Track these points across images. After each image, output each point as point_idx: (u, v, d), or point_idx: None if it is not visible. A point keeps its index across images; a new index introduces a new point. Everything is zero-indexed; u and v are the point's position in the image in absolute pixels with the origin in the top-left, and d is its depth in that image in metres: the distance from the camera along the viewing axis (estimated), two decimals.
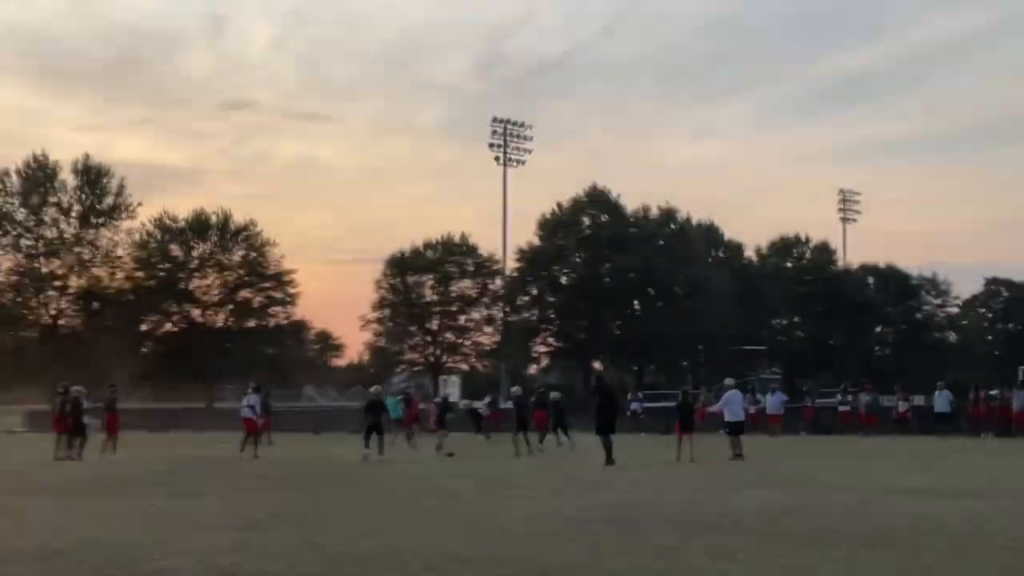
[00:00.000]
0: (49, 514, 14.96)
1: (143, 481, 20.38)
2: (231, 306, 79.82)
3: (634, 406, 51.28)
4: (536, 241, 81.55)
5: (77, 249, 73.65)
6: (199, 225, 77.98)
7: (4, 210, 72.48)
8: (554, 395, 36.17)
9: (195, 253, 78.66)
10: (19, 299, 73.43)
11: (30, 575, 9.64)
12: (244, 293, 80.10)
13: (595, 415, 25.92)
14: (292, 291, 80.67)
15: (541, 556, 10.65)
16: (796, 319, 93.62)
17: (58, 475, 22.57)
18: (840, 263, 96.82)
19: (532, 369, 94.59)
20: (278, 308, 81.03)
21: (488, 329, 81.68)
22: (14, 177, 72.38)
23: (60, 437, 28.90)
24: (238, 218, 79.09)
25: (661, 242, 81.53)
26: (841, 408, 46.51)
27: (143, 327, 78.54)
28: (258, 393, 33.13)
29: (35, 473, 23.34)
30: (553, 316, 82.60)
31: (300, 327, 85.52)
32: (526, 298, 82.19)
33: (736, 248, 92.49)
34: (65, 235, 73.36)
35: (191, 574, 9.63)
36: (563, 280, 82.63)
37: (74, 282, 74.66)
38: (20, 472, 23.71)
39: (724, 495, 16.99)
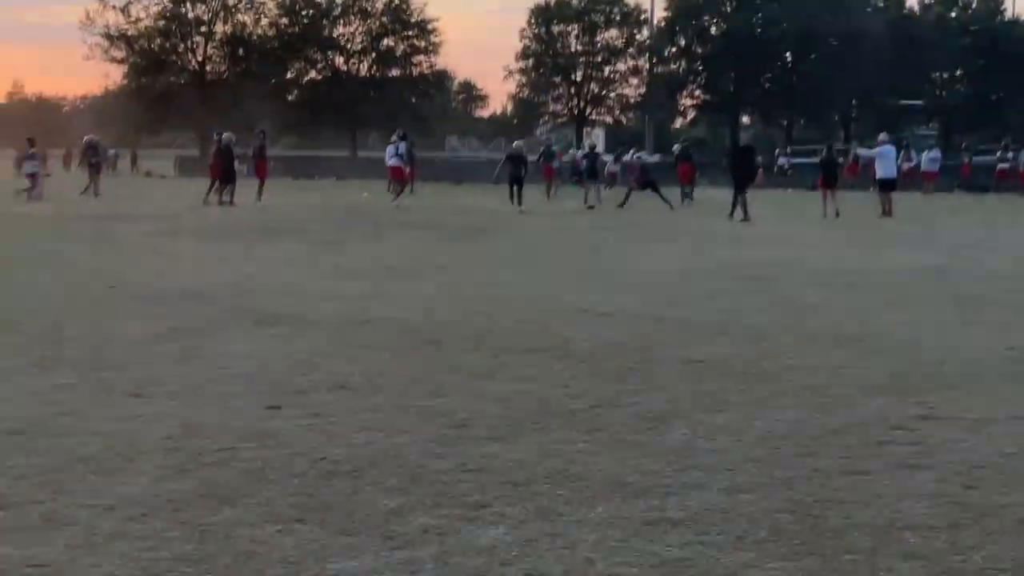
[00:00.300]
0: (194, 256, 15.26)
1: (285, 228, 20.66)
2: (374, 54, 79.42)
3: (781, 161, 50.09)
4: None
5: None
6: None
7: None
8: (643, 155, 34.65)
9: (338, 0, 77.93)
10: (167, 44, 74.19)
11: (172, 314, 9.77)
12: (387, 41, 79.47)
13: (730, 171, 25.46)
14: (435, 40, 79.72)
15: (679, 311, 10.43)
16: (957, 73, 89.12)
17: (207, 219, 23.06)
18: (1008, 13, 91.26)
19: (677, 123, 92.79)
20: (421, 57, 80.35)
21: (633, 81, 79.94)
22: None
23: (214, 181, 29.26)
24: None
25: None
26: (1000, 166, 44.43)
27: (288, 75, 78.87)
28: (404, 141, 32.92)
29: (185, 217, 23.85)
30: (701, 68, 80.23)
31: (443, 77, 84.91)
32: (673, 49, 79.81)
33: None
34: None
35: (325, 319, 9.66)
36: (712, 30, 79.80)
37: (220, 28, 74.99)
38: (172, 215, 24.21)
39: (869, 253, 16.46)
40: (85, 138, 37.48)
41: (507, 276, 13.17)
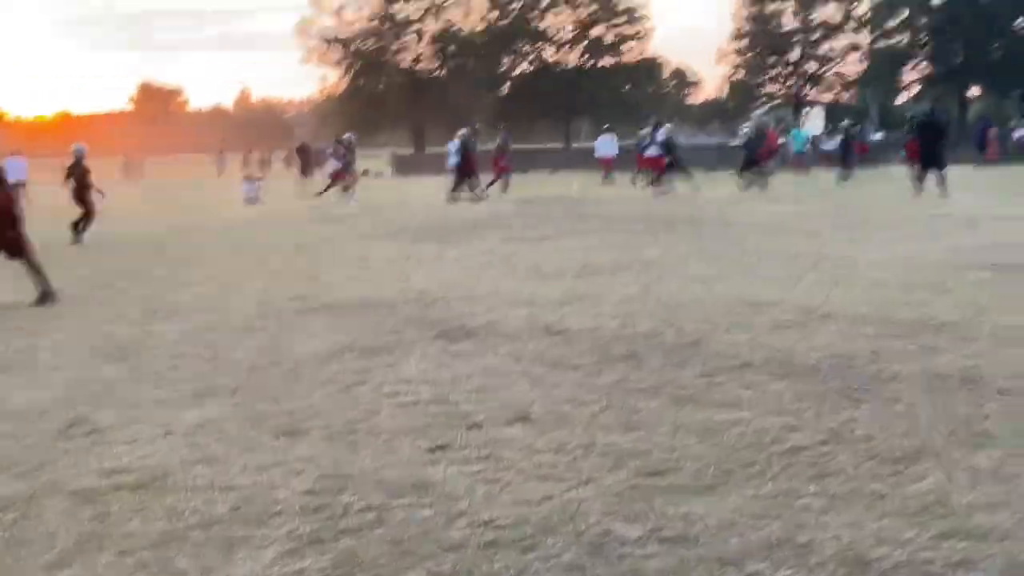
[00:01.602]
0: (390, 259, 14.60)
1: (491, 224, 19.91)
2: (584, 44, 78.64)
3: (1017, 135, 46.74)
4: None
5: None
6: None
7: None
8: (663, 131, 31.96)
9: None
10: (380, 45, 75.22)
11: (349, 328, 9.04)
12: (596, 30, 78.58)
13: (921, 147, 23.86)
14: (645, 26, 78.33)
15: (913, 311, 9.08)
16: None
17: (414, 218, 22.55)
18: None
19: (900, 99, 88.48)
20: (631, 44, 79.12)
21: (852, 57, 76.61)
22: None
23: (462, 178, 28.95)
24: None
25: None
26: None
27: (498, 68, 78.88)
28: (658, 129, 31.65)
29: (394, 214, 23.42)
30: (925, 41, 76.17)
31: (653, 64, 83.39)
32: (895, 22, 76.01)
33: None
34: None
35: (514, 330, 8.74)
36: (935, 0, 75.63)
37: (430, 26, 75.56)
38: (375, 213, 23.81)
39: None
40: (299, 143, 37.90)
41: (716, 272, 11.96)
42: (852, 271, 11.83)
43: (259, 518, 4.49)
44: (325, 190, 31.13)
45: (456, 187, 28.41)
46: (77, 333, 9.19)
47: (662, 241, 15.84)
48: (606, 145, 39.57)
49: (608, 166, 38.13)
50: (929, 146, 23.81)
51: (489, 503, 4.60)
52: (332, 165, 32.06)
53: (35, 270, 11.23)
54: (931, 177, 23.52)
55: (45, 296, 11.10)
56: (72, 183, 19.43)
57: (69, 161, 19.74)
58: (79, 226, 18.77)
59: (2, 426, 6.13)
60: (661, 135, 30.55)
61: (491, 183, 30.62)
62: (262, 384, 7.04)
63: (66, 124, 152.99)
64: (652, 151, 30.17)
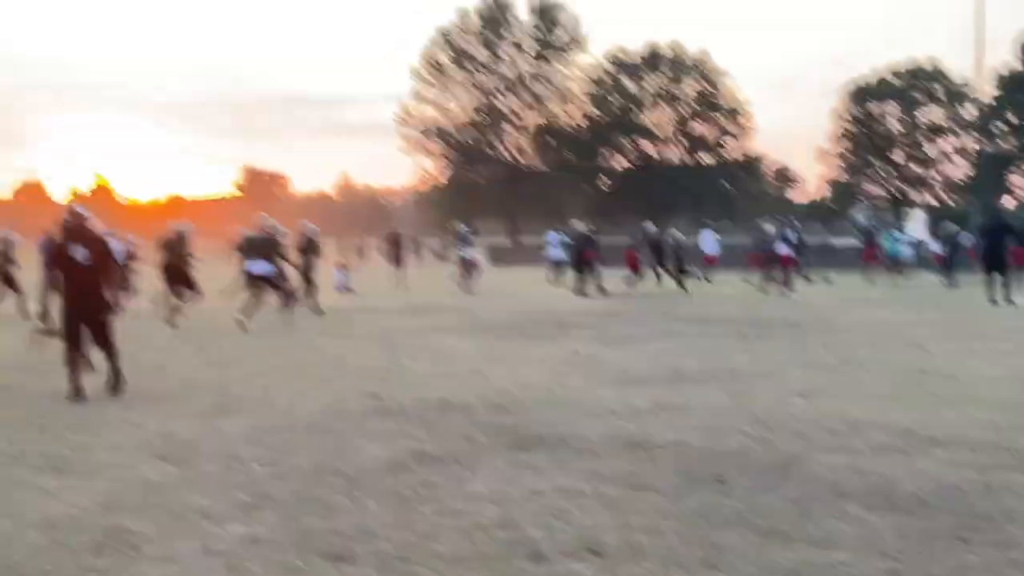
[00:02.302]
0: (471, 356, 14.16)
1: (580, 323, 19.42)
2: (684, 141, 78.52)
3: None
4: (1016, 65, 73.35)
5: (533, 85, 74.85)
6: (652, 59, 76.75)
7: (465, 49, 74.62)
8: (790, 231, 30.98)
9: (648, 88, 77.68)
10: (480, 136, 75.89)
11: (419, 433, 8.59)
12: (698, 127, 78.45)
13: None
14: (746, 124, 77.98)
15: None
16: None
17: (499, 312, 22.14)
18: None
19: (1007, 202, 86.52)
20: (732, 142, 78.77)
21: (958, 160, 75.25)
22: (473, 16, 74.18)
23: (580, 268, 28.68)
24: (691, 50, 77.19)
25: None
26: None
27: (597, 162, 79.01)
28: (790, 228, 31.17)
29: (487, 308, 23.05)
30: None
31: (754, 161, 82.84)
32: (1004, 126, 74.61)
33: None
34: (521, 71, 74.63)
35: (592, 442, 8.19)
36: None
37: (530, 119, 76.11)
38: (461, 308, 23.45)
39: None
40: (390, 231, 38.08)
41: (814, 383, 11.27)
42: (962, 388, 11.06)
43: None
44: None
45: (580, 281, 28.01)
46: (138, 430, 8.85)
47: (757, 347, 15.15)
48: (710, 242, 38.73)
49: (711, 264, 37.27)
50: (994, 250, 23.13)
51: None
52: (462, 252, 32.20)
53: (112, 357, 10.96)
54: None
55: (117, 380, 10.90)
56: (170, 260, 19.61)
57: (170, 236, 19.96)
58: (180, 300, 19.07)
59: (35, 537, 5.74)
60: (791, 234, 30.11)
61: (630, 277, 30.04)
62: (317, 495, 6.58)
63: (177, 207, 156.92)
64: (781, 249, 29.37)
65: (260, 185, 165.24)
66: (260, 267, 18.89)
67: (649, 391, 10.78)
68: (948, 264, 32.93)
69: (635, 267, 30.74)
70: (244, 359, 13.95)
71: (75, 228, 10.67)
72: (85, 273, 10.57)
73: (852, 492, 6.67)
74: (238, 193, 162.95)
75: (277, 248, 19.43)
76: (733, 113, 77.57)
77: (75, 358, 10.60)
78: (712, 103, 77.32)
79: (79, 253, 10.56)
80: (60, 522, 6.01)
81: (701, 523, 5.97)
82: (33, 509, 6.33)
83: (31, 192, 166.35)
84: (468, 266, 31.53)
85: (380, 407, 9.90)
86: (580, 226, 30.20)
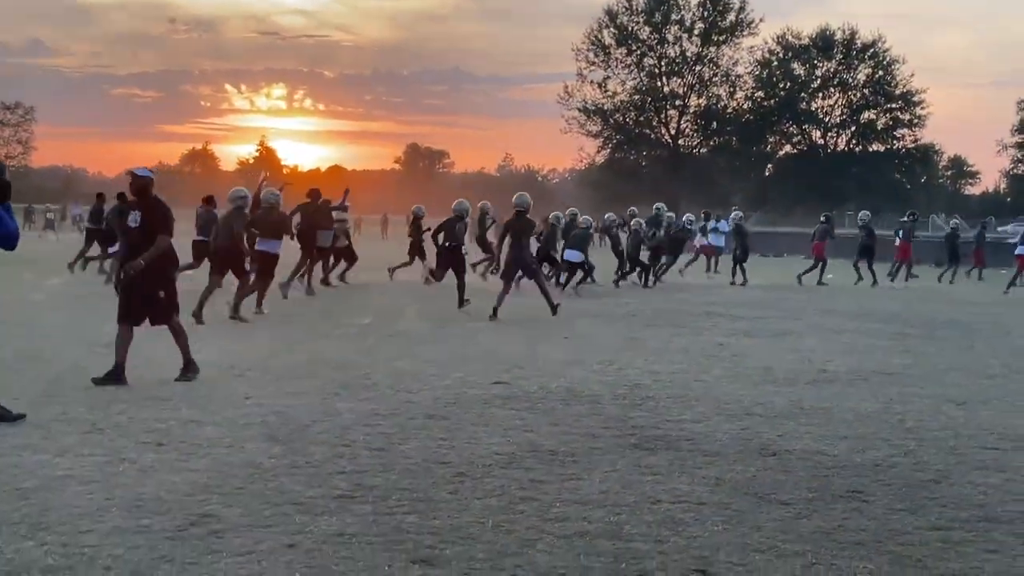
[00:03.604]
0: (612, 346, 13.70)
1: (731, 312, 18.72)
2: (854, 128, 76.21)
3: None
4: None
5: (698, 68, 73.60)
6: (823, 42, 74.58)
7: (630, 29, 73.74)
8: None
9: (818, 72, 75.60)
10: (641, 118, 75.02)
11: (542, 425, 8.20)
12: (868, 114, 76.04)
13: None
14: (921, 112, 75.20)
15: None
16: None
17: (666, 301, 21.61)
18: None
19: None
20: (904, 131, 76.10)
21: None
22: None
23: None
24: (865, 35, 74.74)
25: None
26: None
27: (762, 148, 77.36)
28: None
29: (635, 299, 22.53)
30: None
31: (928, 151, 79.92)
32: None
33: None
34: (687, 53, 73.43)
35: (720, 446, 7.66)
36: None
37: (693, 101, 74.92)
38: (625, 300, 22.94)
39: None
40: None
41: (975, 392, 10.45)
42: None
43: None
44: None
45: (734, 272, 27.20)
46: (253, 408, 8.65)
47: (916, 348, 14.24)
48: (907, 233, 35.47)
49: (906, 256, 34.43)
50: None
51: None
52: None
53: (180, 337, 10.01)
54: None
55: (188, 367, 10.00)
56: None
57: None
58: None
59: (117, 517, 5.52)
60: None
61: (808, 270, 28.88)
62: (419, 489, 6.24)
63: (338, 176, 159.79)
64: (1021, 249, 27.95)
65: (423, 161, 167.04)
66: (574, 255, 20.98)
67: (792, 391, 10.16)
68: None
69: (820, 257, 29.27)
70: (372, 341, 13.75)
71: (137, 191, 9.91)
72: (138, 239, 9.76)
73: (1003, 517, 6.03)
74: (397, 167, 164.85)
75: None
76: (907, 100, 74.87)
77: (123, 333, 9.67)
78: (885, 90, 74.80)
79: (132, 218, 9.84)
80: (152, 502, 5.79)
81: (829, 545, 5.42)
82: (124, 485, 6.14)
83: (198, 159, 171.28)
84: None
85: (506, 395, 9.55)
86: (735, 214, 29.18)
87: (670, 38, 73.27)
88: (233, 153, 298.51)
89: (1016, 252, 28.19)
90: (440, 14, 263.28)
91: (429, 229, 20.11)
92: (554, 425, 8.22)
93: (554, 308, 16.67)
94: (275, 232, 16.10)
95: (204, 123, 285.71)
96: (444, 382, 10.17)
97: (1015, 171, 77.06)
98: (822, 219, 30.63)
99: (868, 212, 29.51)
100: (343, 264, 22.83)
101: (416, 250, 23.62)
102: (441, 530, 5.44)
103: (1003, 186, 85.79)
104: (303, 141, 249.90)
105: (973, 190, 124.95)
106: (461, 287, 17.81)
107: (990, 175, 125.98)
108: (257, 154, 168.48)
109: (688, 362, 12.12)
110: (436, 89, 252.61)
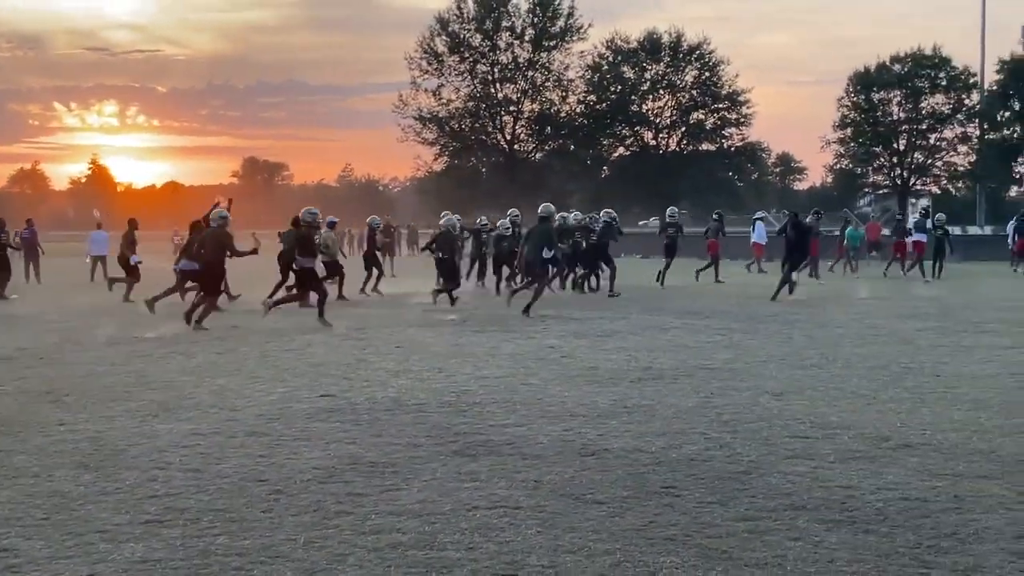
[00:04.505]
0: (440, 353, 13.71)
1: (562, 315, 18.89)
2: (684, 128, 77.93)
3: None
4: (1021, 51, 72.63)
5: (530, 73, 74.24)
6: (651, 45, 76.05)
7: (462, 36, 74.01)
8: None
9: (647, 75, 77.07)
10: (476, 124, 75.34)
11: (364, 438, 8.15)
12: (697, 115, 77.84)
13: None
14: (746, 112, 77.28)
15: (1014, 443, 7.94)
16: None
17: (497, 303, 21.67)
18: None
19: (1012, 191, 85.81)
20: (732, 130, 78.11)
21: (962, 148, 74.50)
22: (470, 3, 73.50)
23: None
24: (691, 37, 76.52)
25: None
26: None
27: (596, 151, 78.48)
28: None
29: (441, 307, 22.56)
30: None
31: (755, 149, 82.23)
32: (1007, 114, 73.83)
33: None
34: (519, 59, 74.01)
35: (541, 449, 7.73)
36: None
37: (527, 107, 75.56)
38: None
39: None
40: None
41: (792, 384, 10.79)
42: (945, 387, 10.58)
43: None
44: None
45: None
46: (66, 434, 8.37)
47: (741, 343, 14.63)
48: (759, 231, 36.04)
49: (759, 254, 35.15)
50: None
51: None
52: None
53: None
54: None
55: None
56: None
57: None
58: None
59: None
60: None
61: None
62: (233, 509, 6.13)
63: (175, 193, 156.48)
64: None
65: (260, 175, 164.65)
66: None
67: (616, 391, 10.32)
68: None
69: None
70: (201, 358, 13.48)
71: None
72: None
73: (808, 504, 6.26)
74: (235, 181, 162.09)
75: None
76: (733, 100, 76.85)
77: None
78: (712, 91, 76.66)
79: None
80: None
81: (639, 542, 5.52)
82: None
83: (27, 179, 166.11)
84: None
85: (331, 408, 9.46)
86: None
87: (502, 45, 73.75)
88: (65, 172, 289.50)
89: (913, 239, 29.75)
90: (271, 26, 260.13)
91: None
92: (377, 436, 8.18)
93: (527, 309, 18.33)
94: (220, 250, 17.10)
95: (33, 142, 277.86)
96: (270, 398, 10.03)
97: (837, 166, 79.56)
98: (714, 216, 31.30)
99: (675, 208, 29.44)
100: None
101: (374, 262, 24.65)
102: (250, 550, 5.35)
103: (829, 180, 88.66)
104: (138, 158, 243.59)
105: (801, 185, 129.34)
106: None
107: (816, 170, 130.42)
108: (89, 172, 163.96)
109: (516, 366, 12.20)
110: (272, 101, 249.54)
